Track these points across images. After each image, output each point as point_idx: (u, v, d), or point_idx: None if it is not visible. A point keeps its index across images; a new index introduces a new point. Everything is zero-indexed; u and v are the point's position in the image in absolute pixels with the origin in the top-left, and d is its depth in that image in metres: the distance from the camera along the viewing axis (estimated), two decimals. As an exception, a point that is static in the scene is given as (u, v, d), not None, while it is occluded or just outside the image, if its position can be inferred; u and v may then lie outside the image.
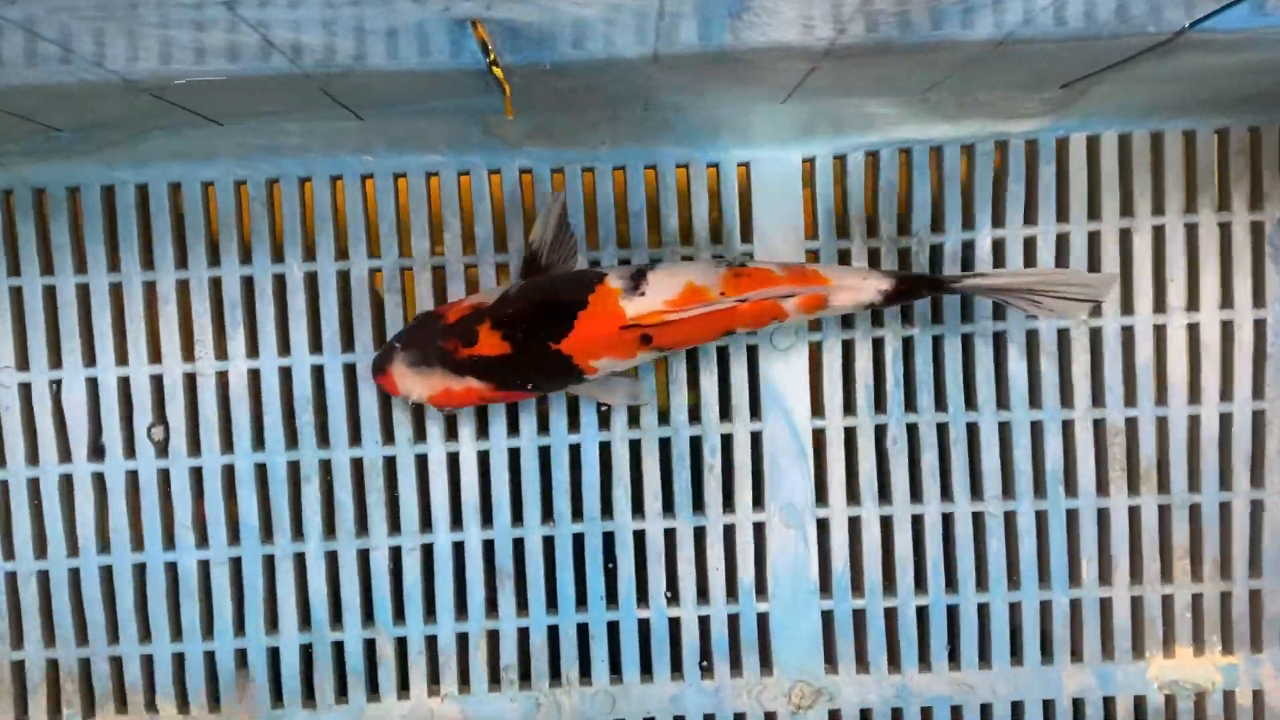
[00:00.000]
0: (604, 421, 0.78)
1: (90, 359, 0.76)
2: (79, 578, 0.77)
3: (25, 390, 0.76)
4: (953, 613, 0.79)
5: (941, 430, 0.79)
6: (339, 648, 0.78)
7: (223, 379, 0.77)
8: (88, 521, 0.76)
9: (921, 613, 0.79)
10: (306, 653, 0.78)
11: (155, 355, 0.76)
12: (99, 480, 0.76)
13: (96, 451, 0.76)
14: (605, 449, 0.78)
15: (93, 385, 0.76)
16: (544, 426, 0.78)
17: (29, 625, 0.76)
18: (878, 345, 0.78)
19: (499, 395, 0.72)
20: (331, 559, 0.77)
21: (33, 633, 0.76)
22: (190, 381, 0.77)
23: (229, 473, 0.77)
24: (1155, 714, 0.79)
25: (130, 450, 0.76)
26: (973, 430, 0.79)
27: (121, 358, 0.76)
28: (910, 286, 0.72)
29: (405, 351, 0.71)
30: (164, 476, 0.77)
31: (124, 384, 0.76)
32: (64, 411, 0.76)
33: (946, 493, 0.79)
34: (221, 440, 0.77)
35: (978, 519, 0.79)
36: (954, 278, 0.72)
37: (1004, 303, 0.73)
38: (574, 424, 0.78)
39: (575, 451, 0.78)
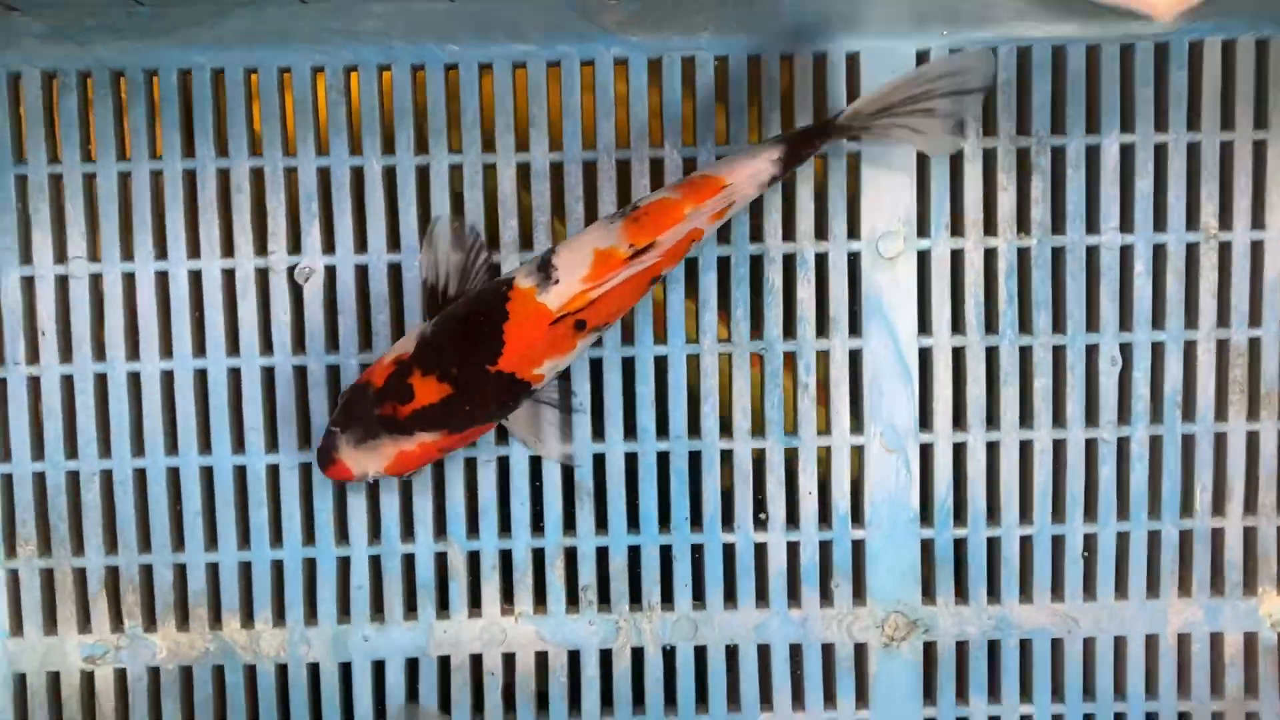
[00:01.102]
0: (693, 334, 0.74)
1: (162, 252, 0.73)
2: (144, 480, 0.73)
3: (95, 282, 0.73)
4: (1058, 543, 0.75)
5: (1057, 353, 0.74)
6: (409, 561, 0.74)
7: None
8: (155, 421, 0.73)
9: (1025, 543, 0.75)
10: (375, 565, 0.75)
11: (228, 249, 0.73)
12: (167, 378, 0.73)
13: (165, 349, 0.73)
14: (693, 363, 0.74)
15: (163, 279, 0.73)
16: (628, 337, 0.74)
17: (90, 529, 0.73)
18: (990, 257, 0.73)
19: (456, 440, 0.68)
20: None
21: (94, 538, 0.73)
22: (262, 277, 0.73)
23: (300, 375, 0.73)
24: (1267, 652, 0.74)
25: (200, 348, 0.73)
26: (1091, 352, 0.74)
27: (194, 251, 0.73)
28: (802, 142, 0.67)
29: (346, 432, 0.68)
30: (234, 377, 0.73)
31: (195, 278, 0.73)
32: (135, 305, 0.73)
33: (1059, 418, 0.74)
34: (294, 341, 0.73)
35: (1090, 446, 0.74)
36: (836, 115, 0.67)
37: (898, 131, 0.68)
38: (660, 335, 0.74)
39: (661, 364, 0.74)
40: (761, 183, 0.68)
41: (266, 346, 0.73)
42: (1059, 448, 0.74)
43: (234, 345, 0.73)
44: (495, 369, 0.66)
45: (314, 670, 0.74)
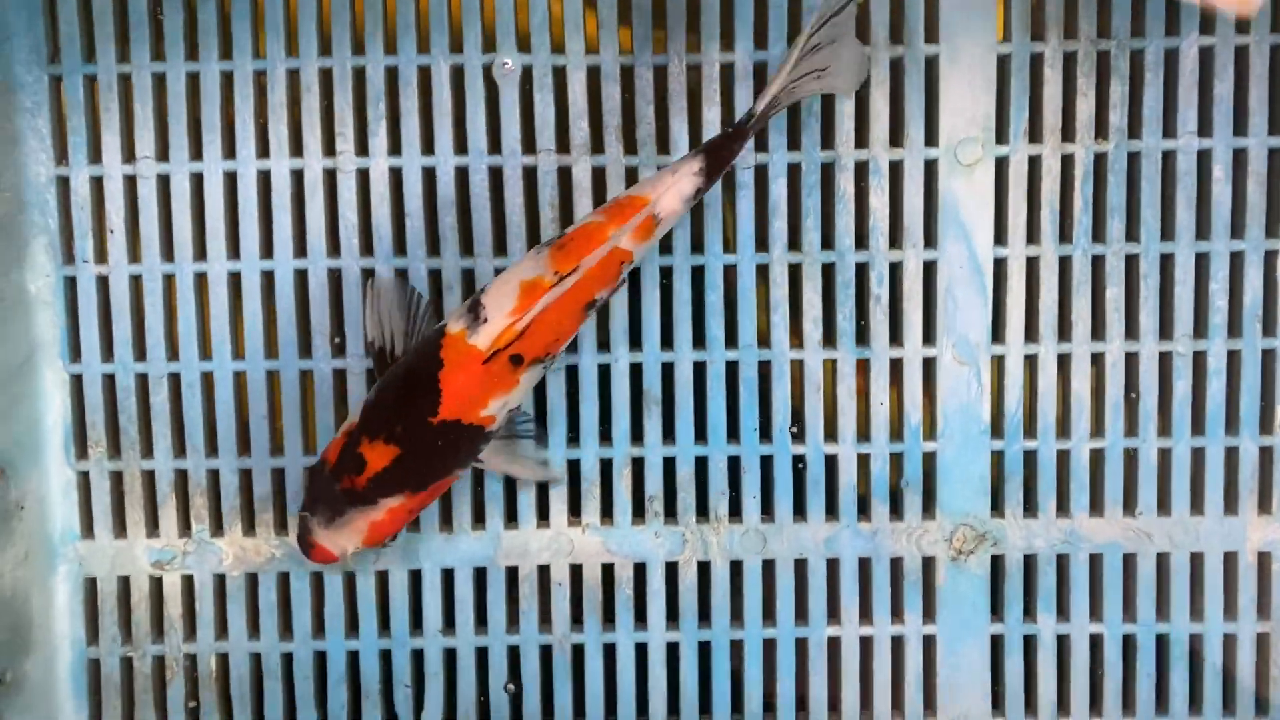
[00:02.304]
0: (761, 243, 0.73)
1: (230, 152, 0.72)
2: (211, 383, 0.73)
3: (163, 183, 0.72)
4: (1130, 457, 0.74)
5: (1131, 262, 0.73)
6: (477, 471, 0.74)
7: (363, 177, 0.73)
8: (222, 324, 0.73)
9: (1096, 456, 0.74)
10: (443, 474, 0.74)
11: (296, 149, 0.72)
12: (234, 280, 0.73)
13: (233, 250, 0.73)
14: (763, 271, 0.73)
15: (231, 180, 0.72)
16: (698, 245, 0.73)
17: (158, 432, 0.73)
18: (1067, 164, 0.72)
19: (424, 497, 0.67)
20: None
21: (162, 441, 0.73)
22: (330, 179, 0.73)
23: (369, 277, 0.73)
24: (1350, 575, 0.74)
25: (267, 250, 0.73)
26: (1166, 261, 0.73)
27: (262, 151, 0.72)
28: (720, 151, 0.67)
29: (315, 515, 0.67)
30: (300, 279, 0.73)
31: (263, 179, 0.72)
32: (203, 206, 0.72)
33: (1131, 330, 0.73)
34: (361, 243, 0.73)
35: (1164, 359, 0.73)
36: (749, 114, 0.66)
37: (807, 92, 0.68)
38: (729, 245, 0.73)
39: (730, 273, 0.73)
40: (686, 197, 0.66)
41: (334, 249, 0.73)
42: (1131, 361, 0.73)
43: (301, 247, 0.73)
44: (438, 419, 0.65)
45: (382, 578, 0.74)
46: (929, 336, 0.74)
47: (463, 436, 0.66)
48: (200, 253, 0.73)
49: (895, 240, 0.73)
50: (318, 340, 0.73)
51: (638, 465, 0.74)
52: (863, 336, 0.74)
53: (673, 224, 0.68)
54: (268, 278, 0.73)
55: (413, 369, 0.66)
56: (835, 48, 0.67)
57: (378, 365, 0.68)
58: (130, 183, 0.72)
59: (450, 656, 0.75)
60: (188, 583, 0.74)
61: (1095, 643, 0.74)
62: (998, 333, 0.73)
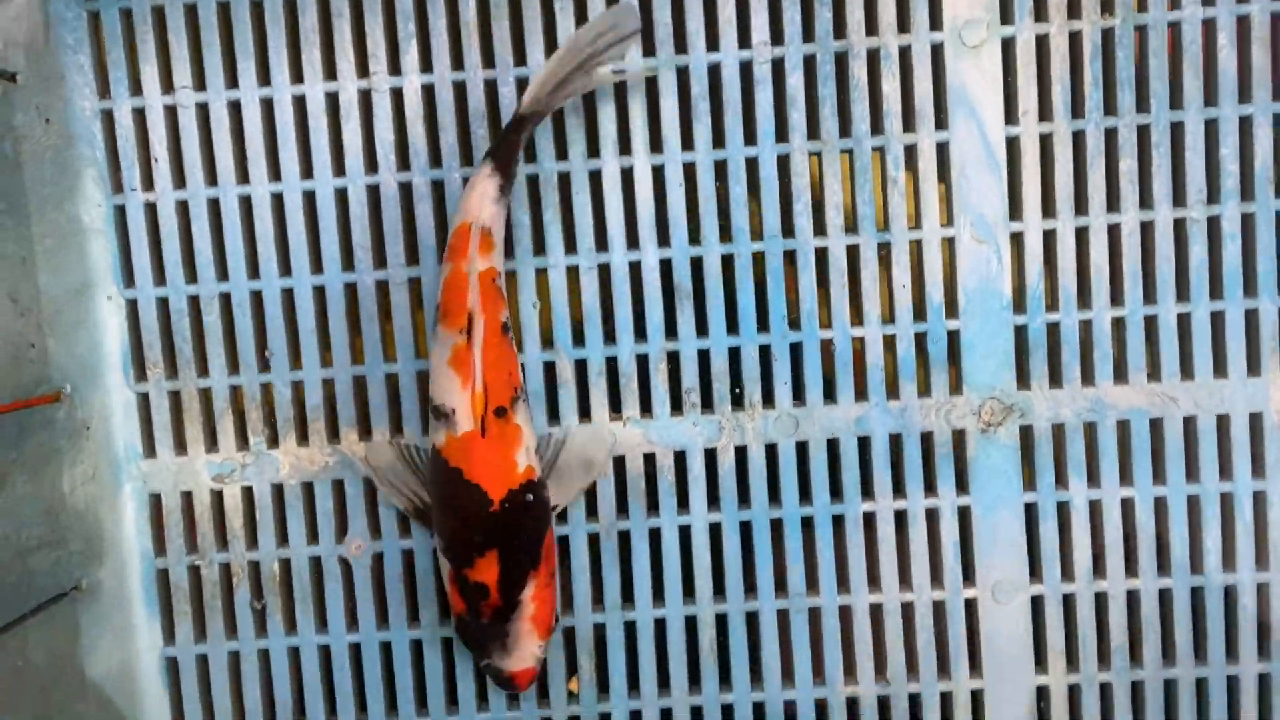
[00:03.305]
0: (781, 134, 0.76)
1: (265, 79, 0.75)
2: (260, 301, 0.77)
3: (203, 111, 0.75)
4: (1151, 324, 0.76)
5: (1142, 133, 0.75)
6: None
7: (396, 96, 0.75)
8: (268, 244, 0.76)
9: (1118, 325, 0.76)
10: (486, 376, 0.77)
11: (330, 73, 0.75)
12: (277, 201, 0.76)
13: (274, 173, 0.76)
14: (784, 163, 0.76)
15: (268, 105, 0.75)
16: (719, 140, 0.75)
17: (212, 351, 0.77)
18: (1075, 40, 0.74)
19: (546, 564, 0.71)
20: (510, 279, 0.76)
21: (216, 359, 0.77)
22: (365, 99, 0.75)
23: (406, 191, 0.76)
24: (1373, 424, 0.75)
25: (307, 170, 0.76)
26: (1176, 130, 0.74)
27: (296, 76, 0.75)
28: (506, 148, 0.71)
29: (493, 657, 0.71)
30: (340, 197, 0.76)
31: (299, 103, 0.75)
32: (242, 132, 0.75)
33: (1146, 200, 0.75)
34: (398, 159, 0.76)
35: (1179, 226, 0.75)
36: (526, 108, 0.71)
37: (580, 88, 0.72)
38: (750, 137, 0.75)
39: (752, 165, 0.76)
40: (494, 197, 0.70)
41: (371, 166, 0.76)
42: (1147, 229, 0.75)
43: (340, 167, 0.76)
44: (496, 506, 0.69)
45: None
46: (947, 217, 0.76)
47: (524, 501, 0.70)
48: (243, 176, 0.76)
49: (909, 124, 0.75)
50: (359, 254, 0.76)
51: (673, 359, 0.77)
52: (883, 221, 0.76)
53: (502, 222, 0.71)
54: (309, 198, 0.76)
55: (446, 492, 0.70)
56: (616, 63, 0.72)
57: (420, 519, 0.74)
58: (171, 112, 0.75)
59: (502, 552, 0.78)
60: (247, 494, 0.77)
61: (1127, 507, 0.77)
62: (1014, 210, 0.76)
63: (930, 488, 0.77)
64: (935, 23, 0.74)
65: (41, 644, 0.69)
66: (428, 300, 0.76)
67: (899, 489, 0.77)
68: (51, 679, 0.70)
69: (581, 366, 0.77)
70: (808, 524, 0.77)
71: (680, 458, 0.77)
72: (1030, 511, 0.77)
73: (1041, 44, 0.74)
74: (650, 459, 0.77)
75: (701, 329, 0.77)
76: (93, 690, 0.74)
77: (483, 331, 0.69)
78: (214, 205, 0.76)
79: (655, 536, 0.77)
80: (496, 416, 0.69)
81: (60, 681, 0.71)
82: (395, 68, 0.75)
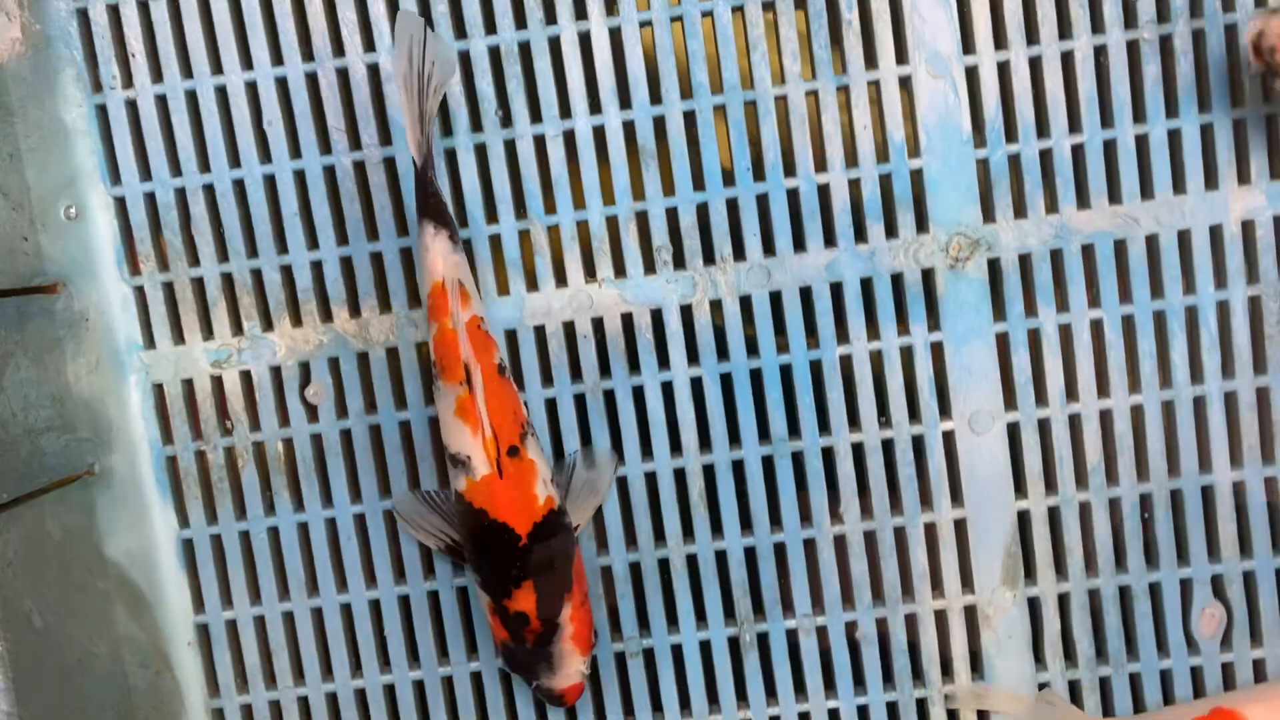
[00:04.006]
0: (735, -10, 0.77)
1: (229, -33, 0.78)
2: (244, 189, 0.79)
3: (174, 4, 0.78)
4: (1109, 148, 0.77)
5: (1088, -42, 0.76)
6: (495, 241, 0.80)
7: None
8: (246, 132, 0.78)
9: (1077, 151, 0.77)
10: (467, 247, 0.79)
11: (291, -42, 0.78)
12: (251, 90, 0.78)
13: (245, 61, 0.78)
14: (739, 15, 0.77)
15: (234, -6, 0.78)
16: None
17: (201, 241, 0.79)
18: None
19: (579, 585, 0.75)
20: (480, 152, 0.79)
21: (205, 248, 0.80)
22: (327, -18, 0.78)
23: (374, 73, 0.78)
24: (1333, 226, 0.77)
25: (277, 57, 0.78)
26: (1122, -49, 0.76)
27: (259, -37, 0.78)
28: (433, 204, 0.72)
29: (542, 678, 0.76)
30: (310, 81, 0.78)
31: (264, -10, 0.78)
32: (212, 21, 0.78)
33: (1097, 24, 0.76)
34: (363, 40, 0.78)
35: (1132, 48, 0.76)
36: (419, 159, 0.72)
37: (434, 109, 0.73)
38: (705, -4, 0.77)
39: (708, 20, 0.77)
40: (449, 250, 0.72)
41: (338, 50, 0.78)
42: (1100, 53, 0.76)
43: (308, 51, 0.78)
44: (524, 540, 0.73)
45: (422, 350, 0.80)
46: (901, 55, 0.77)
47: (550, 530, 0.74)
48: (217, 66, 0.78)
49: (860, -30, 0.77)
50: (335, 137, 0.79)
51: (642, 219, 0.79)
52: (840, 65, 0.78)
53: (466, 267, 0.74)
54: (281, 84, 0.78)
55: (475, 533, 0.74)
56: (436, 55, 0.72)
57: (454, 555, 0.78)
58: (144, 8, 0.78)
59: (494, 417, 0.81)
60: (246, 378, 0.81)
61: (1096, 329, 0.78)
62: (968, 44, 0.77)
63: (903, 327, 0.79)
64: None
65: (58, 521, 0.73)
66: (404, 177, 0.78)
67: (873, 330, 0.79)
68: (71, 554, 0.73)
69: (555, 233, 0.79)
70: (786, 372, 0.80)
71: (657, 315, 0.80)
72: (1002, 342, 0.79)
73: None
74: (628, 319, 0.80)
75: (668, 188, 0.79)
76: (112, 569, 0.78)
77: (481, 379, 0.72)
78: (191, 98, 0.78)
79: (639, 394, 0.80)
80: (510, 456, 0.73)
81: (79, 558, 0.75)
82: (354, -49, 0.77)
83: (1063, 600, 0.80)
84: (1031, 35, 0.76)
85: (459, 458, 0.73)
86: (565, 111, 0.78)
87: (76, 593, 0.73)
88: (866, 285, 0.79)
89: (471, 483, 0.73)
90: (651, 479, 0.80)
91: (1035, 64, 0.77)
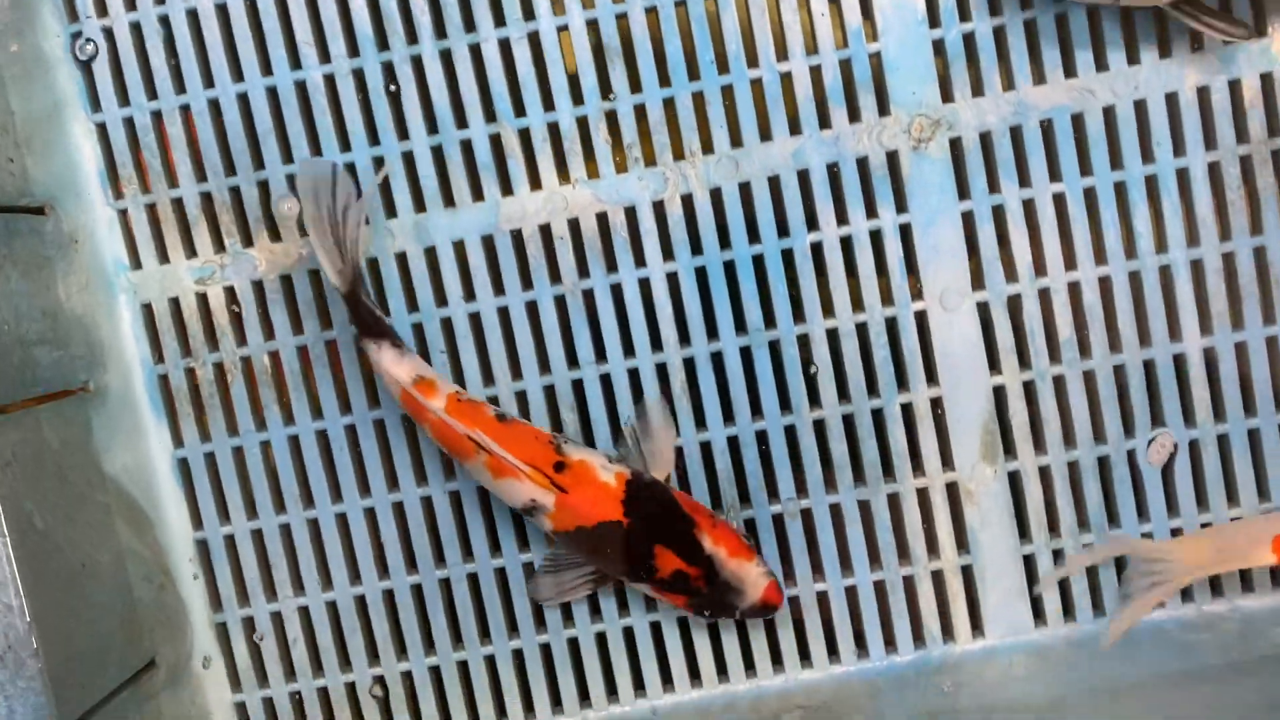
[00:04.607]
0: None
1: (193, -108, 0.80)
2: (219, 108, 0.81)
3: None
4: (1061, 21, 0.78)
5: None
6: (467, 146, 0.81)
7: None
8: (218, 52, 0.80)
9: (1030, 26, 0.78)
10: (439, 156, 0.81)
11: (252, -122, 0.80)
12: (222, 11, 0.80)
13: (214, -17, 0.80)
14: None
15: (200, -83, 0.80)
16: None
17: (180, 160, 0.81)
18: None
19: (704, 518, 0.77)
20: (446, 58, 0.80)
21: (184, 168, 0.81)
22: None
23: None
24: (1286, 89, 0.78)
25: (245, -25, 0.80)
26: None
27: (222, -115, 0.80)
28: (367, 321, 0.76)
29: (740, 606, 0.77)
30: (280, 4, 0.80)
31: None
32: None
33: (1045, -99, 0.78)
34: (327, -44, 0.80)
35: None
36: (345, 288, 0.76)
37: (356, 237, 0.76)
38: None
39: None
40: (398, 357, 0.76)
41: (304, -30, 0.80)
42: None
43: (275, -30, 0.80)
44: (624, 522, 0.76)
45: (402, 260, 0.82)
46: (856, -54, 0.79)
47: (637, 497, 0.76)
48: (185, -12, 0.80)
49: None
50: (304, 51, 0.80)
51: (611, 117, 0.81)
52: (796, -41, 0.79)
53: (419, 361, 0.78)
54: (250, 4, 0.80)
55: (590, 549, 0.77)
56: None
57: (604, 583, 0.81)
58: (113, -64, 0.80)
59: (476, 321, 0.82)
60: (230, 293, 0.82)
61: (1059, 203, 0.80)
62: (920, -70, 0.79)
63: (871, 210, 0.81)
64: None
65: (56, 433, 0.75)
66: (373, 87, 0.80)
67: (841, 216, 0.81)
68: (69, 464, 0.75)
69: (526, 135, 0.81)
70: (759, 262, 0.81)
71: (630, 213, 0.81)
72: (968, 220, 0.80)
73: None
74: (603, 218, 0.81)
75: (635, 85, 0.80)
76: (111, 484, 0.80)
77: (490, 439, 0.75)
78: (164, 22, 0.80)
79: (618, 292, 0.82)
80: (559, 472, 0.76)
81: (78, 469, 0.77)
82: None
83: (1043, 473, 0.81)
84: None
85: (527, 508, 0.77)
86: (529, 13, 0.80)
87: (77, 502, 0.75)
88: (833, 171, 0.80)
89: (553, 516, 0.76)
90: (634, 374, 0.82)
91: (988, -60, 0.78)
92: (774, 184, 0.81)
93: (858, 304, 0.81)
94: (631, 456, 0.79)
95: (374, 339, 0.77)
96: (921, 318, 0.81)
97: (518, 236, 0.82)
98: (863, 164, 0.80)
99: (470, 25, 0.80)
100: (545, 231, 0.81)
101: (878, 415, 0.82)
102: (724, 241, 0.81)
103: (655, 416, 0.80)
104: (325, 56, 0.81)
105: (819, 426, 0.82)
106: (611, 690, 0.84)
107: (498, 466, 0.75)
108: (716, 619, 0.80)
